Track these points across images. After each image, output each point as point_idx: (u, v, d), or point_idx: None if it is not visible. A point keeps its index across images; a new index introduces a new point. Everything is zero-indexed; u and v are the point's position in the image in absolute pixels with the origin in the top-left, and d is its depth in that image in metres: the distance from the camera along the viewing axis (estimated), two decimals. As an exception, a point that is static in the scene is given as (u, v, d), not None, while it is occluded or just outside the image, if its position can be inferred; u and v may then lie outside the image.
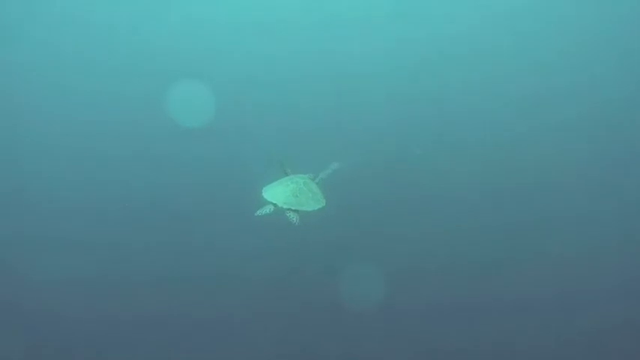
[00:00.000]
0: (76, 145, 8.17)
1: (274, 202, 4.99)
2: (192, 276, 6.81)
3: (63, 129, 8.21)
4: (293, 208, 4.99)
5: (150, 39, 8.91)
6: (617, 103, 8.38)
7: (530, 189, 7.98)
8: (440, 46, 9.13)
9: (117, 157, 8.18)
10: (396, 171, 8.05)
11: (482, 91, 8.81)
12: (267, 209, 4.98)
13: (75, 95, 8.51)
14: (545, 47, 8.90)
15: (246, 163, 7.56)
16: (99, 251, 7.08)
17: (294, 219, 4.95)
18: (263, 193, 5.13)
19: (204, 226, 7.23)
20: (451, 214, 7.68)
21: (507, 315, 6.80)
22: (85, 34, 8.78)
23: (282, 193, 5.09)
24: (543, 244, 7.38)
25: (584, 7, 8.69)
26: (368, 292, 6.64)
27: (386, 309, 6.67)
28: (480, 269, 7.14)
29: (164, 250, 7.14)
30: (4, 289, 6.52)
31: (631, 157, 8.05)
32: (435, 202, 7.78)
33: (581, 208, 7.70)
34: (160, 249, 7.17)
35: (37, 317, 6.43)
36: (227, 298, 6.71)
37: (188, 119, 8.19)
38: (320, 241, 6.67)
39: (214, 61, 8.79)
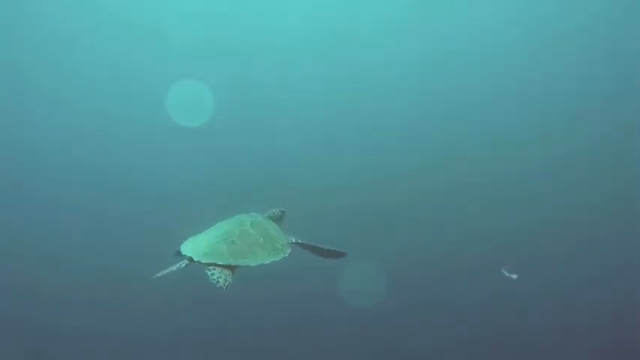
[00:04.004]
0: (68, 143, 8.26)
1: (189, 254, 3.20)
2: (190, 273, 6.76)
3: (57, 126, 8.29)
4: (220, 262, 3.11)
5: (150, 39, 8.90)
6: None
7: (526, 190, 8.11)
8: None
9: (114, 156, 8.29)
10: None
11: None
12: (175, 266, 3.21)
13: (73, 91, 8.57)
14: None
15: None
16: (97, 249, 7.24)
17: (222, 280, 3.05)
18: (182, 245, 3.36)
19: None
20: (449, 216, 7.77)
21: (505, 314, 6.97)
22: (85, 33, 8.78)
23: (207, 240, 3.28)
24: (538, 244, 7.53)
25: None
26: (367, 291, 6.72)
27: (384, 309, 6.77)
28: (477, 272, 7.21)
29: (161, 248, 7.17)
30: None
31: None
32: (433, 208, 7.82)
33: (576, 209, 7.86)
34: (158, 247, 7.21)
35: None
36: (225, 297, 6.70)
37: (187, 119, 8.23)
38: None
39: (214, 61, 8.79)
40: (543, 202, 7.88)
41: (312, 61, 8.89)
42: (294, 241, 3.71)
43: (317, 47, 8.91)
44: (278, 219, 3.94)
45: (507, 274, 4.27)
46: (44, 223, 7.54)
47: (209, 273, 3.10)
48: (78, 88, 8.59)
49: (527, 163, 8.18)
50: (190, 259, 3.20)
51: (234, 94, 8.53)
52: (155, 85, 8.58)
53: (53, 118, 8.37)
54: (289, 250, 3.46)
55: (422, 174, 8.08)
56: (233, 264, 3.16)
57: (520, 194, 8.02)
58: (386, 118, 8.66)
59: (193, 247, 3.28)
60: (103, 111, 8.52)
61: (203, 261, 3.14)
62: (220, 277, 3.09)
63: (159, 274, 3.20)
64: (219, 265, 3.15)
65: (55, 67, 8.56)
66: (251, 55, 8.85)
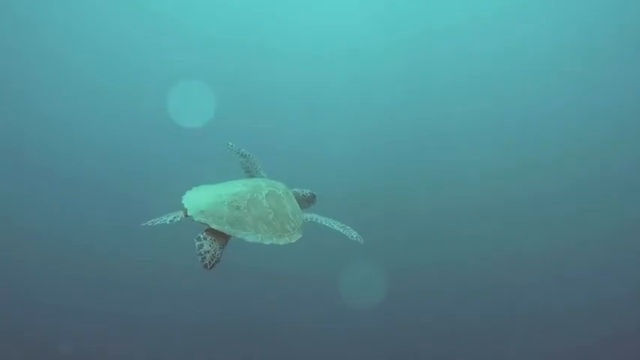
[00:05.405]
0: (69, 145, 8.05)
1: (186, 205, 2.88)
2: (193, 272, 6.74)
3: (57, 126, 8.08)
4: (215, 226, 2.74)
5: (150, 40, 8.86)
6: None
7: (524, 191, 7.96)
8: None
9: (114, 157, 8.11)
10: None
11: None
12: (169, 217, 2.86)
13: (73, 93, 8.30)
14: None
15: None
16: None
17: (209, 257, 2.66)
18: (185, 195, 3.01)
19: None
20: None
21: (503, 318, 7.03)
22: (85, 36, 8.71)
23: (211, 197, 2.91)
24: (536, 246, 7.49)
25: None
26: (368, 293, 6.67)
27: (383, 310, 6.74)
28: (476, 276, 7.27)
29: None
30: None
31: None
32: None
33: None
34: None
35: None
36: (224, 298, 6.71)
37: (188, 119, 8.16)
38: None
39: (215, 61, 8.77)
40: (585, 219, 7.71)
41: (333, 63, 8.62)
42: (310, 220, 3.27)
43: (332, 48, 8.76)
44: (305, 201, 3.49)
45: None
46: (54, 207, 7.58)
47: (197, 244, 2.70)
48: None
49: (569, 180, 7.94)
50: (186, 212, 2.84)
51: (238, 93, 8.47)
52: (155, 84, 8.49)
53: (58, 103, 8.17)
54: (299, 237, 3.00)
55: (457, 186, 7.92)
56: (227, 232, 2.76)
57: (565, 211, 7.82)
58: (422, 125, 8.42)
59: (194, 199, 2.92)
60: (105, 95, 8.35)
61: (196, 219, 2.77)
62: (208, 252, 2.68)
63: (148, 223, 2.84)
64: (212, 232, 2.75)
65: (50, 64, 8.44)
66: (253, 54, 8.79)
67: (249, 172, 3.58)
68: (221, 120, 8.00)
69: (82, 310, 6.64)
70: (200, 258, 2.65)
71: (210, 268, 2.66)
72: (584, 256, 7.36)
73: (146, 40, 8.63)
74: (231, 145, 3.61)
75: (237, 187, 3.05)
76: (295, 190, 3.49)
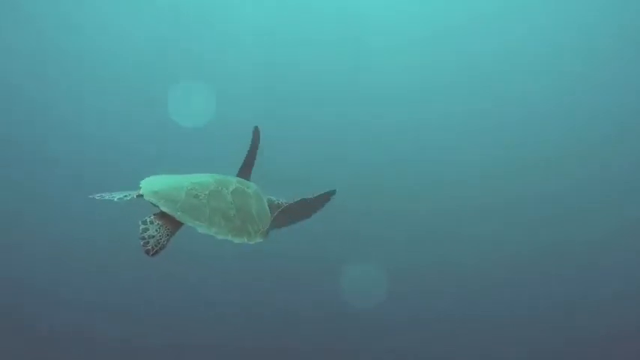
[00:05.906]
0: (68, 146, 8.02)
1: (142, 185, 2.70)
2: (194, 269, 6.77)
3: (57, 127, 8.06)
4: (165, 208, 2.55)
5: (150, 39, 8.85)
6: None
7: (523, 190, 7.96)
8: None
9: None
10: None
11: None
12: (119, 195, 2.67)
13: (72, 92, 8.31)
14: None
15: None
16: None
17: (152, 243, 2.47)
18: (147, 178, 2.81)
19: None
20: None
21: (502, 318, 7.05)
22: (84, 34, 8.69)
23: (171, 182, 2.73)
24: (536, 246, 7.51)
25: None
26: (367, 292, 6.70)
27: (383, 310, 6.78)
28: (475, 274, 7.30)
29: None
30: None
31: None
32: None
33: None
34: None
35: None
36: (224, 297, 6.75)
37: (189, 119, 8.15)
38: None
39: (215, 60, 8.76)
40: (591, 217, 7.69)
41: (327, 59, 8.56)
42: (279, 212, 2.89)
43: (332, 48, 8.63)
44: (277, 209, 3.05)
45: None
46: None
47: (142, 227, 2.49)
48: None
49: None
50: (138, 193, 2.63)
51: (239, 93, 8.45)
52: (156, 84, 8.47)
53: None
54: (259, 240, 2.76)
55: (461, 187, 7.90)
56: (178, 218, 2.54)
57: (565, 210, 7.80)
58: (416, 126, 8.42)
59: (152, 181, 2.72)
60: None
61: (146, 198, 2.57)
62: (153, 237, 2.48)
63: (96, 196, 2.67)
64: (162, 217, 2.55)
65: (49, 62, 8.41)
66: (253, 53, 8.77)
67: (243, 168, 3.41)
68: (221, 120, 7.97)
69: (82, 308, 6.69)
70: (142, 242, 2.47)
71: (153, 254, 2.48)
72: (584, 256, 7.36)
73: (146, 40, 8.63)
74: (257, 129, 3.40)
75: (204, 177, 2.87)
76: (270, 197, 3.21)
